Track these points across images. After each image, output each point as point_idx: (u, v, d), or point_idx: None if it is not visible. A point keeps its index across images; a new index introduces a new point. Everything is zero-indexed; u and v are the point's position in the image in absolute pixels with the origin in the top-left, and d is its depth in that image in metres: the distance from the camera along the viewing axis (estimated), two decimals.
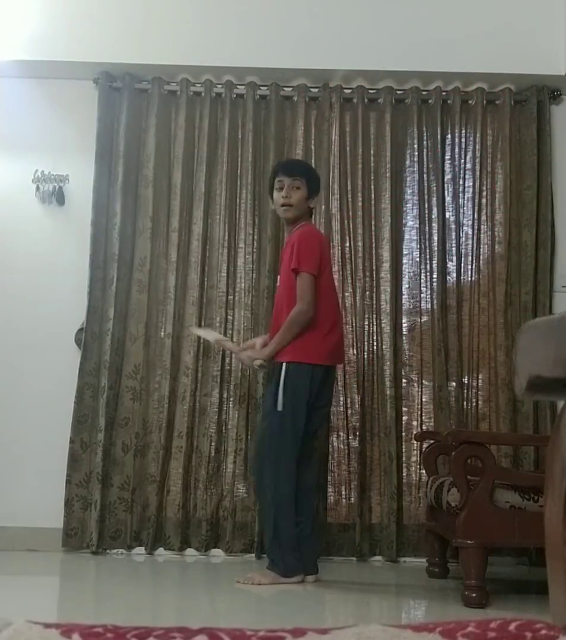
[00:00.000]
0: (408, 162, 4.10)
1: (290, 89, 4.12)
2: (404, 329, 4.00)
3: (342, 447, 3.90)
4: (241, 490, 3.86)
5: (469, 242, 4.06)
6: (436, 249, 4.01)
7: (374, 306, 3.98)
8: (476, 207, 4.06)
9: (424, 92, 4.10)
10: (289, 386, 3.18)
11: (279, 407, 3.16)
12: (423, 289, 4.01)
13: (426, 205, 4.05)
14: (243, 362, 3.55)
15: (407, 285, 4.04)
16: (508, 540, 2.99)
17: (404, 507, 3.86)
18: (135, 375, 3.91)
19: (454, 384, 3.94)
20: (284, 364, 3.19)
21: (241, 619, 2.63)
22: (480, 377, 3.97)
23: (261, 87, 4.11)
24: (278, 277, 3.48)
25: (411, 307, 4.02)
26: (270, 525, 3.20)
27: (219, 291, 3.98)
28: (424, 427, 3.91)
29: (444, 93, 4.10)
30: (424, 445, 3.74)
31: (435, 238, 4.01)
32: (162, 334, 3.97)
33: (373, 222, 4.04)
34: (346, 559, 3.79)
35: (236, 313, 3.98)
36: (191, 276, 3.99)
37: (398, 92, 4.10)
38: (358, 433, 3.88)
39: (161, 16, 4.02)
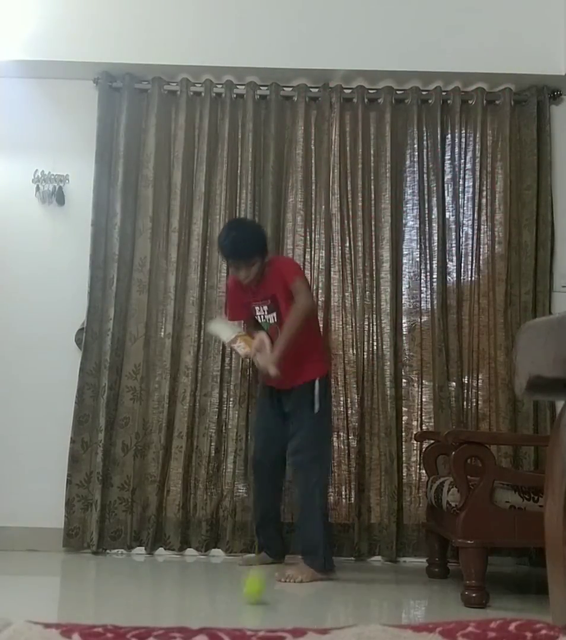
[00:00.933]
0: (408, 162, 4.10)
1: (290, 89, 4.12)
2: (404, 329, 4.00)
3: (342, 447, 3.90)
4: (240, 490, 3.86)
5: (469, 242, 4.06)
6: (436, 249, 4.01)
7: (374, 306, 3.98)
8: (476, 207, 4.06)
9: (424, 92, 4.10)
10: (323, 397, 3.45)
11: (316, 410, 3.41)
12: (423, 289, 4.01)
13: (426, 205, 4.05)
14: (258, 366, 3.49)
15: (407, 285, 4.03)
16: (508, 540, 2.99)
17: (404, 507, 3.86)
18: (135, 375, 3.91)
19: (454, 384, 3.93)
20: (317, 382, 3.43)
21: (240, 619, 2.63)
22: (480, 377, 3.97)
23: (261, 87, 4.11)
24: (266, 313, 3.50)
25: (411, 307, 4.01)
26: (318, 523, 3.36)
27: (219, 291, 3.98)
28: (424, 427, 3.91)
29: (444, 93, 4.10)
30: (425, 445, 3.74)
31: (435, 238, 4.01)
32: (162, 334, 3.97)
33: (373, 222, 4.04)
34: (346, 559, 3.78)
35: None
36: (191, 276, 3.99)
37: (398, 92, 4.10)
38: (358, 433, 3.88)
39: (161, 16, 4.02)
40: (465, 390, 3.96)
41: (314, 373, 3.45)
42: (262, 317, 3.53)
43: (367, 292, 3.98)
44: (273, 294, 3.45)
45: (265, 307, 3.50)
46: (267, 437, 3.57)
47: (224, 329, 3.65)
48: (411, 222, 4.07)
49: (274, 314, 3.47)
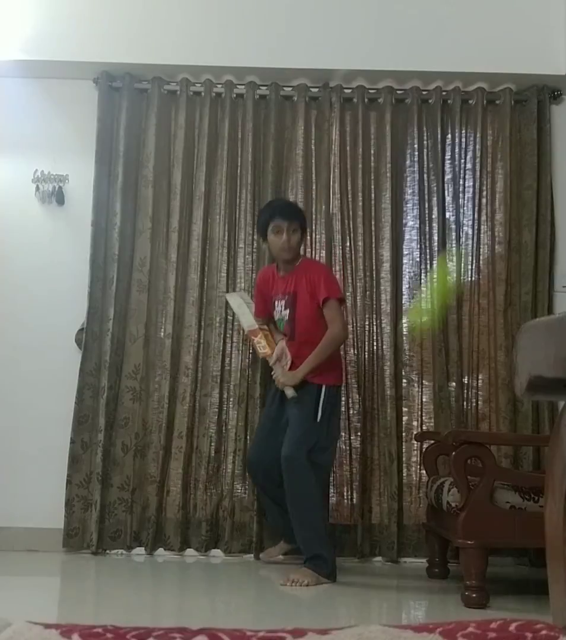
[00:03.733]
0: (408, 162, 4.10)
1: (290, 88, 4.12)
2: (404, 329, 4.00)
3: (343, 447, 3.89)
4: (240, 491, 3.86)
5: (470, 242, 4.06)
6: (436, 249, 4.01)
7: (375, 306, 3.97)
8: (476, 207, 4.06)
9: (424, 92, 4.10)
10: (329, 407, 3.41)
11: (318, 419, 3.37)
12: (423, 289, 4.01)
13: (427, 205, 4.04)
14: (275, 375, 3.51)
15: (407, 285, 4.03)
16: (508, 541, 2.99)
17: (404, 508, 3.85)
18: (135, 375, 3.91)
19: (454, 384, 3.93)
20: (323, 388, 3.40)
21: (240, 620, 2.63)
22: (480, 377, 3.97)
23: (261, 87, 4.10)
24: (283, 308, 3.51)
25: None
26: (311, 525, 3.30)
27: (219, 291, 3.97)
28: (424, 428, 3.91)
29: (444, 93, 4.10)
30: (425, 446, 3.74)
31: (435, 238, 4.01)
32: (162, 334, 3.97)
33: (373, 222, 4.04)
34: (346, 559, 3.78)
35: None
36: (191, 276, 3.99)
37: (398, 91, 4.10)
38: (359, 433, 3.88)
39: (161, 16, 4.02)
40: (465, 391, 3.96)
41: (324, 377, 3.41)
42: (279, 312, 3.54)
43: (367, 292, 3.98)
44: (295, 292, 3.46)
45: (283, 302, 3.51)
46: (263, 441, 3.57)
47: (247, 313, 3.68)
48: (411, 222, 4.07)
49: (288, 311, 3.49)
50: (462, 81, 4.09)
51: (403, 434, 3.92)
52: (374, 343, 3.96)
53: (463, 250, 4.05)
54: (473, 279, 4.03)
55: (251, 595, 3.16)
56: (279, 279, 3.56)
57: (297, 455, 3.29)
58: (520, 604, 2.99)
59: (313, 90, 4.11)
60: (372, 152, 4.10)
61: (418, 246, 4.03)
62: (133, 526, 3.82)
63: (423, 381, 3.96)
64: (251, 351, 3.92)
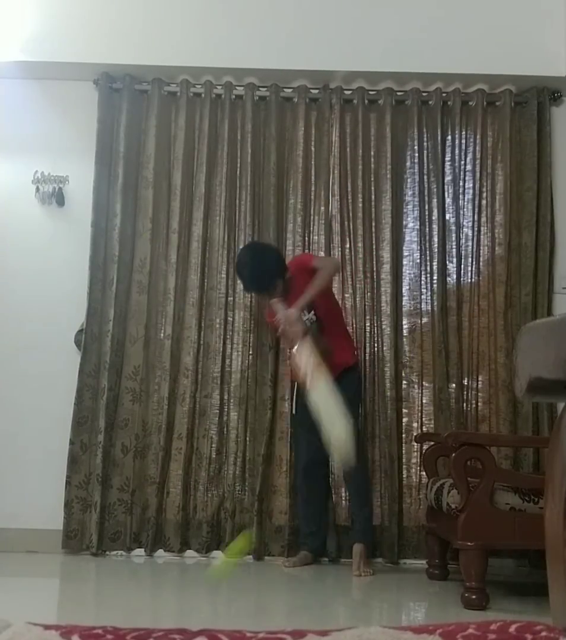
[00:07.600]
0: (408, 164, 4.10)
1: (290, 90, 4.12)
2: (404, 331, 4.00)
3: None
4: (240, 492, 3.85)
5: (470, 243, 4.06)
6: (436, 250, 4.01)
7: (375, 308, 3.97)
8: (477, 209, 4.06)
9: (424, 94, 4.10)
10: (361, 386, 3.73)
11: (360, 409, 3.69)
12: (423, 291, 4.01)
13: (427, 207, 4.05)
14: (288, 330, 3.32)
15: (407, 287, 4.03)
16: (508, 542, 2.99)
17: (404, 509, 3.85)
18: (135, 376, 3.91)
19: (454, 385, 3.93)
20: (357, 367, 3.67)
21: (240, 621, 2.63)
22: (480, 378, 3.97)
23: (261, 88, 4.11)
24: (306, 313, 3.46)
25: (412, 308, 4.01)
26: (368, 512, 3.64)
27: (219, 293, 3.98)
28: (424, 429, 3.91)
29: (444, 94, 4.10)
30: (425, 447, 3.73)
31: (435, 239, 4.01)
32: (162, 335, 3.97)
33: (373, 224, 4.04)
34: (347, 560, 3.77)
35: (235, 314, 3.97)
36: (191, 277, 3.99)
37: (398, 93, 4.10)
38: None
39: (161, 17, 4.03)
40: (465, 392, 3.96)
41: (352, 358, 3.66)
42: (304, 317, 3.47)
43: (368, 294, 3.98)
44: (300, 292, 3.42)
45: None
46: (310, 442, 3.48)
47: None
48: (411, 223, 4.07)
49: (312, 313, 3.49)
50: (462, 83, 4.09)
51: (403, 435, 3.92)
52: (375, 344, 3.96)
53: (463, 252, 4.05)
54: (473, 280, 4.03)
55: (251, 596, 3.16)
56: (286, 300, 3.47)
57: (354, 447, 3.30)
58: (519, 606, 2.98)
59: (313, 91, 4.12)
60: (372, 153, 4.10)
61: (418, 247, 4.03)
62: (133, 527, 3.82)
63: (423, 382, 3.96)
64: (250, 353, 3.93)
